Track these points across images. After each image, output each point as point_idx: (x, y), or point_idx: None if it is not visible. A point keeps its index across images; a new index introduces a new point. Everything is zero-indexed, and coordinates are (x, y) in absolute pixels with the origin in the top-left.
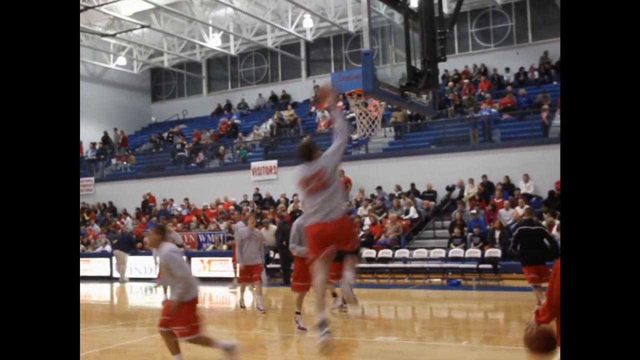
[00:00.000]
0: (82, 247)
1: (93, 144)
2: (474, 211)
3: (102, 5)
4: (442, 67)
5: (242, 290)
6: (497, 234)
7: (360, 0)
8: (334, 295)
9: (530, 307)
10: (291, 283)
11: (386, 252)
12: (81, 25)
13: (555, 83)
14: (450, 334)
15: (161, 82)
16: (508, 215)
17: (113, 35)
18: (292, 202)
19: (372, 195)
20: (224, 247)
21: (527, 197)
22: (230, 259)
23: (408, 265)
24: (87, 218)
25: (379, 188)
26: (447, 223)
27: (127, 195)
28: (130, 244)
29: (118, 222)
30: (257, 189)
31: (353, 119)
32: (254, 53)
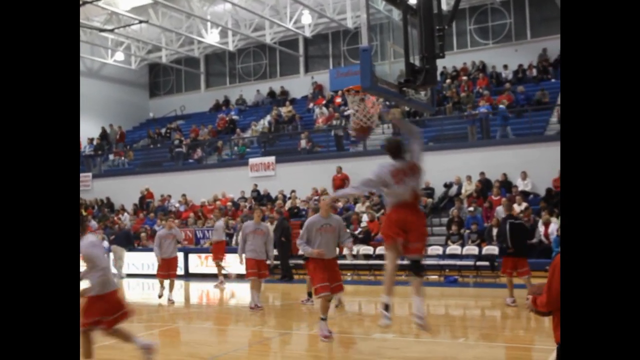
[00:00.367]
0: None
1: (91, 140)
2: (471, 209)
3: (100, 0)
4: (440, 64)
5: (253, 287)
6: (495, 231)
7: None
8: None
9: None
10: (314, 288)
11: (384, 249)
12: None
13: (553, 80)
14: (447, 331)
15: (159, 77)
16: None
17: (111, 31)
18: (289, 198)
19: (370, 192)
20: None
21: (525, 195)
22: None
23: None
24: (84, 214)
25: None
26: (444, 220)
27: (124, 191)
28: (129, 240)
29: (115, 218)
30: (256, 185)
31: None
32: (252, 49)
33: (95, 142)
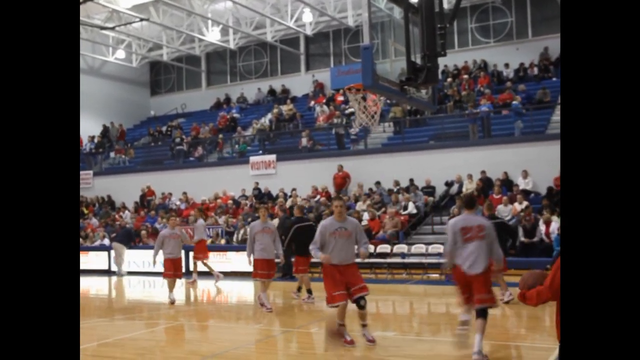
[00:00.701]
0: (80, 240)
1: (92, 138)
2: None
3: None
4: (441, 62)
5: (263, 290)
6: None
7: None
8: (299, 289)
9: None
10: (326, 297)
11: (384, 248)
12: (80, 17)
13: (555, 79)
14: (448, 329)
15: (160, 75)
16: (506, 211)
17: (112, 28)
18: (290, 196)
19: (371, 190)
20: (222, 241)
21: (526, 194)
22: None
23: (406, 260)
24: (85, 212)
25: (378, 183)
26: (445, 218)
27: (125, 188)
28: (130, 238)
29: (116, 216)
30: (257, 184)
31: (352, 113)
32: (254, 47)
33: (96, 140)
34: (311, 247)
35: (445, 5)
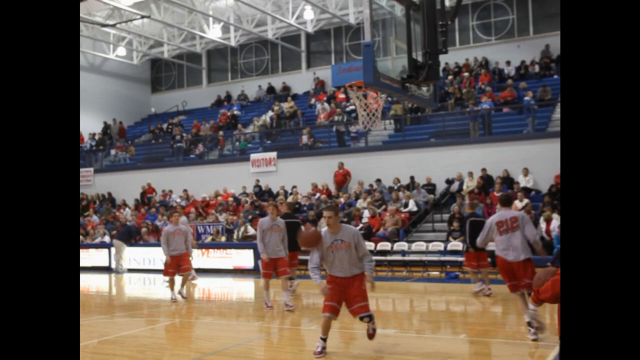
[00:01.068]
0: (80, 237)
1: (92, 135)
2: None
3: None
4: (442, 60)
5: (266, 287)
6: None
7: None
8: (291, 279)
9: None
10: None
11: (385, 245)
12: (81, 15)
13: (556, 77)
14: (448, 327)
15: (161, 73)
16: None
17: (113, 26)
18: (291, 194)
19: (371, 188)
20: (223, 238)
21: (527, 191)
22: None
23: (407, 258)
24: (86, 213)
25: (378, 181)
26: (446, 216)
27: (126, 186)
28: (130, 236)
29: (117, 213)
30: (257, 181)
31: (353, 111)
32: (254, 44)
33: (97, 137)
34: (310, 267)
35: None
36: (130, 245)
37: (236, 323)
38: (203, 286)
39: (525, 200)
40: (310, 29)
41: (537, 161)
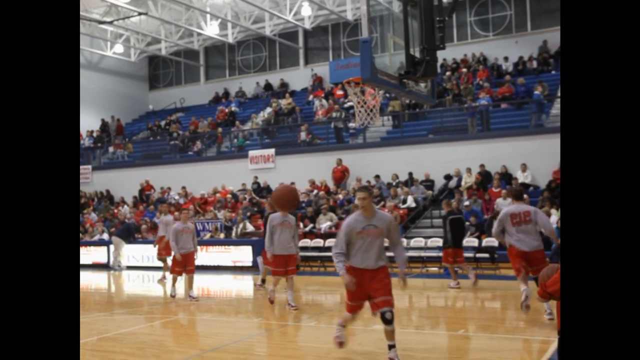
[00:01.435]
0: (79, 235)
1: (90, 132)
2: (467, 203)
3: None
4: (440, 56)
5: (276, 284)
6: (495, 223)
7: None
8: (264, 281)
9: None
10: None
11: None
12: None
13: (554, 72)
14: (447, 323)
15: (159, 70)
16: (505, 204)
17: (110, 23)
18: None
19: (369, 184)
20: (221, 235)
21: (525, 187)
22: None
23: (405, 254)
24: (84, 211)
25: (377, 177)
26: (444, 212)
27: (124, 183)
28: (129, 233)
29: (115, 210)
30: (256, 178)
31: (351, 107)
32: (252, 41)
33: (95, 135)
34: (334, 252)
35: None
36: (129, 242)
37: (235, 320)
38: (202, 283)
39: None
40: (307, 25)
41: (535, 157)
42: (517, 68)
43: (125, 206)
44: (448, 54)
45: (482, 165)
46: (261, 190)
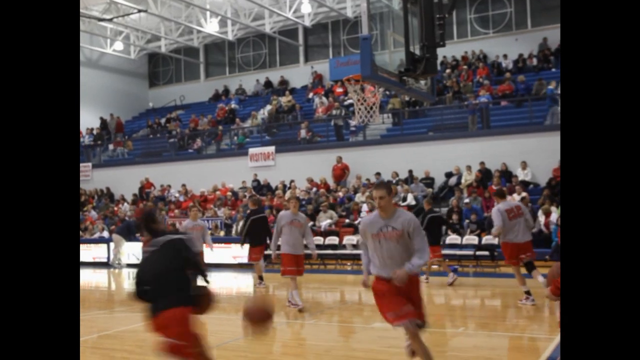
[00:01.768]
0: (79, 232)
1: (90, 130)
2: (467, 200)
3: None
4: (440, 53)
5: (295, 287)
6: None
7: None
8: (261, 278)
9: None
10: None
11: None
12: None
13: (554, 70)
14: (447, 320)
15: (158, 67)
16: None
17: (110, 20)
18: (289, 188)
19: (369, 182)
20: (221, 233)
21: (525, 184)
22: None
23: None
24: (84, 209)
25: (378, 174)
26: (444, 210)
27: (124, 181)
28: (130, 231)
29: (115, 208)
30: (255, 175)
31: (351, 105)
32: (252, 38)
33: (95, 132)
34: (362, 253)
35: None
36: (129, 240)
37: (236, 317)
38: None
39: (523, 194)
40: (307, 22)
41: (535, 154)
42: (517, 65)
43: (126, 204)
44: (448, 52)
45: (482, 163)
46: (261, 188)
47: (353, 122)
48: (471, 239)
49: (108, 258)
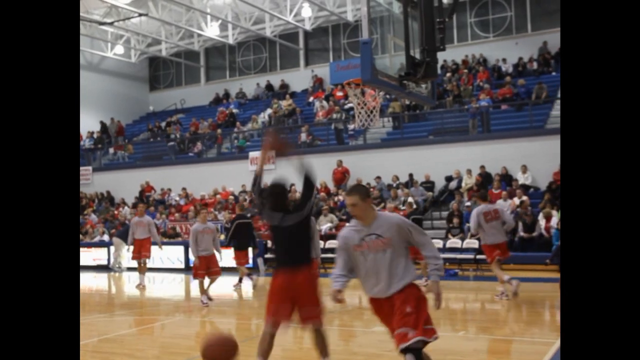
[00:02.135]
0: (80, 236)
1: (91, 133)
2: (468, 203)
3: None
4: (440, 57)
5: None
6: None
7: None
8: (250, 275)
9: (526, 297)
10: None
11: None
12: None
13: (554, 74)
14: (448, 324)
15: (159, 71)
16: (505, 206)
17: (111, 24)
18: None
19: (370, 185)
20: (221, 237)
21: (525, 188)
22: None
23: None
24: (85, 212)
25: (378, 178)
26: (445, 214)
27: (124, 184)
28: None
29: (116, 212)
30: None
31: (352, 108)
32: (252, 42)
33: (95, 136)
34: (335, 274)
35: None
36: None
37: (235, 321)
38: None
39: (524, 197)
40: (308, 26)
41: (536, 158)
42: (517, 69)
43: (126, 207)
44: (448, 55)
45: (482, 167)
46: (262, 191)
47: (353, 126)
48: (472, 242)
49: (108, 261)
